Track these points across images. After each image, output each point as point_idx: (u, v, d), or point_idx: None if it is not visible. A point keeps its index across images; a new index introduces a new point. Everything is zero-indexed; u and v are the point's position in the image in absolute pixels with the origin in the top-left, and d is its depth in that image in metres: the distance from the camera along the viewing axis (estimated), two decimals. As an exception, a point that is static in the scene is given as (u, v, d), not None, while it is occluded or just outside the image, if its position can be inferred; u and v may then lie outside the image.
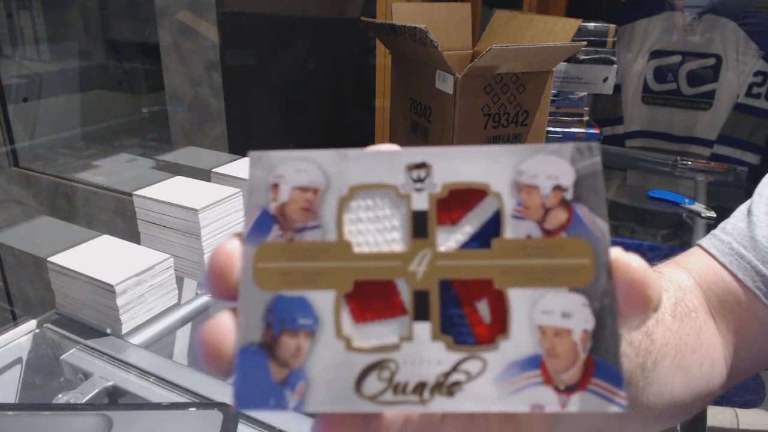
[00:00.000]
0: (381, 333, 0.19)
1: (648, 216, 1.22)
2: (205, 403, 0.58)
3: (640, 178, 1.46)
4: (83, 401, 0.60)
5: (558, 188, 0.19)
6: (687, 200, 1.18)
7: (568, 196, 0.19)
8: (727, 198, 1.27)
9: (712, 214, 1.12)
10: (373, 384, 0.18)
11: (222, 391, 0.60)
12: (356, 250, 0.19)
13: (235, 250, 0.19)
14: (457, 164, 0.19)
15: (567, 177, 0.19)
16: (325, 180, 0.20)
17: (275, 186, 0.20)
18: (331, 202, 0.19)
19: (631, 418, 0.34)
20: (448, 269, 0.19)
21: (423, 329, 0.18)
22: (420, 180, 0.19)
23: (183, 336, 0.75)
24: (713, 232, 0.43)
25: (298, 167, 0.20)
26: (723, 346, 0.40)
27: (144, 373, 0.64)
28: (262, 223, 0.19)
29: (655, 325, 0.33)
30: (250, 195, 0.20)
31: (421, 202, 0.19)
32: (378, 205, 0.19)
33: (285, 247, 0.19)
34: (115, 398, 0.63)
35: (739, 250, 0.41)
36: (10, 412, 0.55)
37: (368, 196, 0.19)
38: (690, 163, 1.41)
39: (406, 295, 0.19)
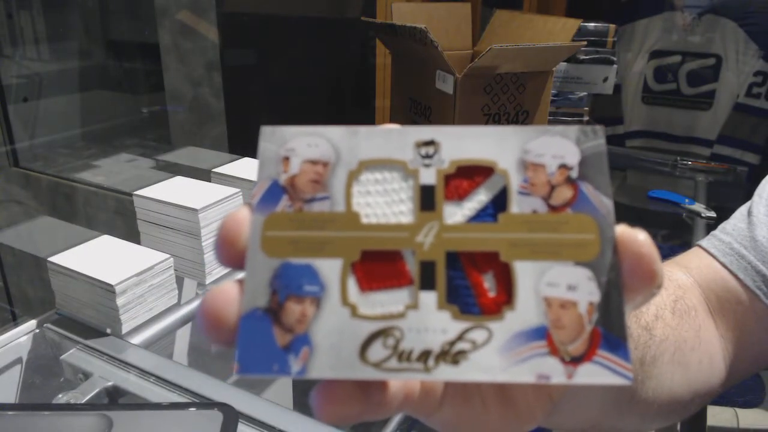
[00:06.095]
0: (387, 301, 0.19)
1: (648, 216, 1.22)
2: (206, 403, 0.58)
3: (640, 178, 1.46)
4: (83, 401, 0.60)
5: (563, 167, 0.19)
6: (687, 200, 1.18)
7: (574, 174, 0.19)
8: (727, 198, 1.27)
9: (712, 214, 1.12)
10: (377, 351, 0.18)
11: (222, 391, 0.60)
12: (364, 221, 0.19)
13: (244, 218, 0.19)
14: (464, 142, 0.20)
15: (572, 156, 0.19)
16: (335, 154, 0.20)
17: (286, 159, 0.20)
18: (340, 175, 0.20)
19: (629, 412, 0.34)
20: (454, 241, 0.19)
21: (429, 298, 0.19)
22: (428, 156, 0.20)
23: (183, 336, 0.75)
24: (713, 232, 0.44)
25: (309, 142, 0.20)
26: (722, 344, 0.40)
27: (144, 373, 0.63)
28: (272, 194, 0.19)
29: (655, 320, 0.34)
30: (261, 167, 0.20)
31: (429, 177, 0.20)
32: (387, 179, 0.20)
33: (294, 216, 0.19)
34: (115, 398, 0.63)
35: (739, 250, 0.41)
36: (9, 412, 0.55)
37: (377, 170, 0.20)
38: (690, 163, 1.41)
39: (412, 265, 0.19)
